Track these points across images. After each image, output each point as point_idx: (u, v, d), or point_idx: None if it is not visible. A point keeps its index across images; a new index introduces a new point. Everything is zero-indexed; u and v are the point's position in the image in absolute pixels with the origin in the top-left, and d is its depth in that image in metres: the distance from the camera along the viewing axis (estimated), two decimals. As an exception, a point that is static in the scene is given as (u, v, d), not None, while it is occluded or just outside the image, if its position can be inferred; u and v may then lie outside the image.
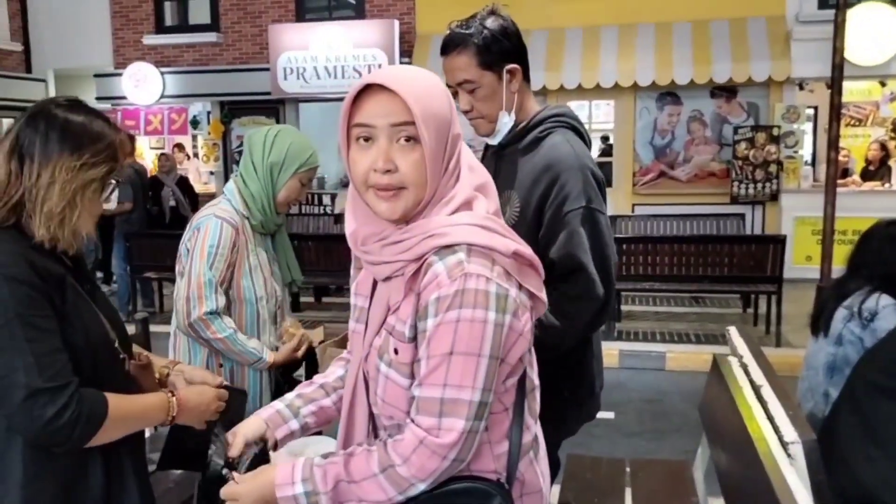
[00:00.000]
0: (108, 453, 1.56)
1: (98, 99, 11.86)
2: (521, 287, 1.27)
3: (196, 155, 12.49)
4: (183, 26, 11.60)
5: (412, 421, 1.24)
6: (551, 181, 1.84)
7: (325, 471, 1.26)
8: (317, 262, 7.50)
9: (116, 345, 1.62)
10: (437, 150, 1.24)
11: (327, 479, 1.25)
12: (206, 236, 2.29)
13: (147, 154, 13.05)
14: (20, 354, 1.38)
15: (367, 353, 1.35)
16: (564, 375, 1.94)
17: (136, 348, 1.78)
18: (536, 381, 1.41)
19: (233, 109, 11.48)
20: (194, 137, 12.43)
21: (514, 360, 1.28)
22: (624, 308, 7.63)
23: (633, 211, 9.83)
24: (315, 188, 11.85)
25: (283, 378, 2.47)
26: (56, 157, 1.47)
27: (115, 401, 1.49)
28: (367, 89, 1.24)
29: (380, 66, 10.30)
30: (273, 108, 11.21)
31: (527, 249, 1.30)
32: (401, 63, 10.31)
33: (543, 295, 1.33)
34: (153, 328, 3.15)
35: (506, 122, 1.94)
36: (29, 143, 1.48)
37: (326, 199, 11.14)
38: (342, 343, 2.60)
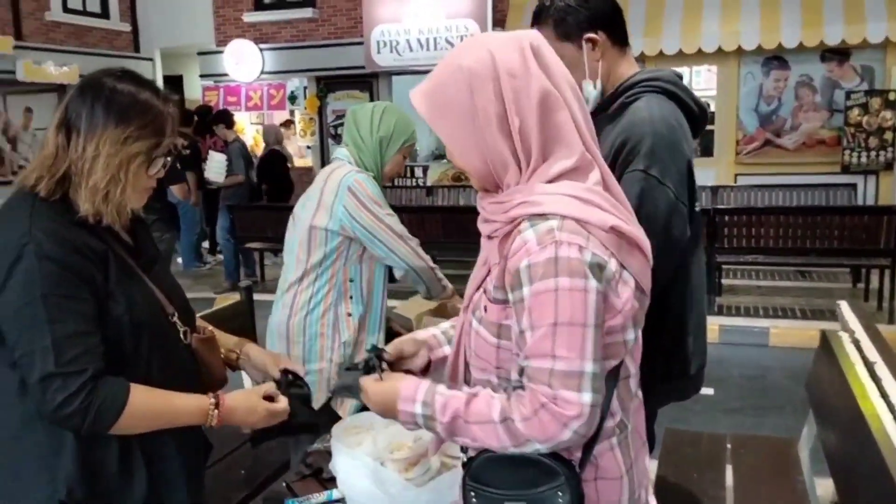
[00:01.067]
0: (151, 451, 1.52)
1: (202, 76, 12.33)
2: (620, 265, 1.23)
3: (293, 130, 12.79)
4: (281, 3, 11.83)
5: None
6: (620, 146, 1.77)
7: (446, 402, 1.28)
8: (410, 233, 7.57)
9: (175, 318, 1.59)
10: (461, 136, 1.27)
11: (446, 411, 1.27)
12: (368, 189, 2.44)
13: (248, 129, 13.50)
14: (40, 335, 1.35)
15: (467, 305, 1.38)
16: (655, 349, 1.87)
17: (200, 322, 1.75)
18: (633, 370, 1.35)
19: (328, 84, 11.67)
20: (291, 113, 12.73)
21: (609, 335, 1.24)
22: (725, 282, 7.39)
23: (735, 181, 9.45)
24: (407, 161, 11.95)
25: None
26: (101, 130, 1.43)
27: (142, 394, 1.44)
28: None
29: (472, 35, 10.21)
30: (367, 81, 11.34)
31: (631, 227, 1.26)
32: (494, 33, 10.21)
33: (646, 281, 1.29)
34: (256, 297, 3.27)
35: (590, 92, 1.88)
36: (76, 115, 1.45)
37: (419, 172, 11.24)
38: (438, 312, 2.62)
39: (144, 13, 12.42)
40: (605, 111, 1.89)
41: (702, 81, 10.81)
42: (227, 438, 2.55)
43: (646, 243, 1.29)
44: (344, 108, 11.23)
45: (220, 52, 11.83)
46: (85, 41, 11.49)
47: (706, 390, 4.80)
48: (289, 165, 9.52)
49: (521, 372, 1.23)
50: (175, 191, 6.56)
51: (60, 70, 10.52)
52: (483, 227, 1.35)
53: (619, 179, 1.73)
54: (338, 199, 2.43)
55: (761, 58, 9.39)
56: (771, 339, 6.07)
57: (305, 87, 11.95)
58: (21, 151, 10.69)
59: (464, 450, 1.37)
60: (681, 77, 1.90)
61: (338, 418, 2.25)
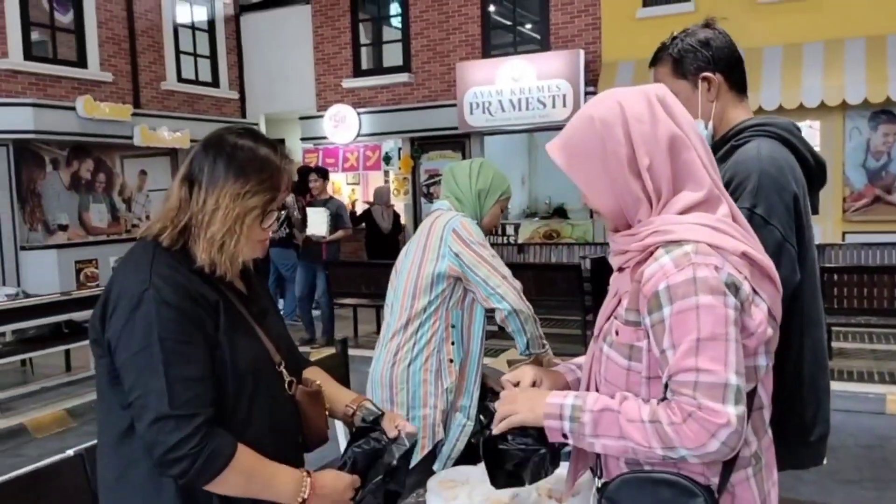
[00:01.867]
0: None
1: (302, 139, 12.86)
2: (753, 289, 1.28)
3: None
4: (378, 69, 12.32)
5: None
6: (726, 184, 1.72)
7: (598, 398, 1.32)
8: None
9: (282, 367, 1.60)
10: (592, 179, 1.37)
11: (597, 403, 1.31)
12: (472, 231, 2.51)
13: (344, 189, 13.92)
14: (156, 378, 1.38)
15: (598, 335, 1.43)
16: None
17: (310, 374, 1.76)
18: (766, 401, 1.36)
19: (422, 144, 11.97)
20: (386, 173, 13.08)
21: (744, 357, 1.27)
22: (835, 345, 6.98)
23: (843, 239, 9.02)
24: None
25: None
26: (221, 184, 1.49)
27: (246, 454, 1.45)
28: None
29: (564, 96, 10.31)
30: (459, 142, 11.56)
31: (762, 256, 1.32)
32: (586, 92, 10.26)
33: (777, 310, 1.33)
34: (350, 352, 3.31)
35: (701, 132, 1.86)
36: (199, 169, 1.51)
37: (510, 230, 11.27)
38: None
39: (251, 82, 13.16)
40: (715, 154, 1.86)
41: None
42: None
43: (775, 274, 1.34)
44: (437, 168, 11.46)
45: (321, 116, 12.35)
46: (196, 108, 12.25)
47: (818, 459, 4.48)
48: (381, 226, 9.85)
49: (665, 388, 1.27)
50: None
51: (173, 135, 11.21)
52: (614, 261, 1.42)
53: None
54: (443, 242, 2.49)
55: (868, 112, 9.03)
56: (888, 405, 5.65)
57: (400, 148, 12.28)
58: (135, 211, 11.37)
59: (596, 474, 1.41)
60: (798, 129, 1.85)
61: (432, 472, 2.22)
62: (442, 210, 2.62)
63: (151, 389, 1.38)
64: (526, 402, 1.39)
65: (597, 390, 1.42)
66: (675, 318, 1.23)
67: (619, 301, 1.37)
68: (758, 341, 1.28)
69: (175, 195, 1.52)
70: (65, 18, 10.34)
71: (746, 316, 1.26)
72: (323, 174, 8.34)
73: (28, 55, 9.72)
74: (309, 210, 8.14)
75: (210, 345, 1.46)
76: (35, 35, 10.00)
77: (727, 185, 1.73)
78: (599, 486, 1.39)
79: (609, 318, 1.40)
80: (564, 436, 1.34)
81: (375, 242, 9.96)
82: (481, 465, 1.86)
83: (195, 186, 1.51)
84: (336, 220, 7.97)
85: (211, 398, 1.43)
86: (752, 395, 1.30)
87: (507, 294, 2.48)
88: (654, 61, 1.94)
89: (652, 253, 1.30)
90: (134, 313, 1.41)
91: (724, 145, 1.86)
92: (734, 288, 1.24)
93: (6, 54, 9.44)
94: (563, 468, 1.88)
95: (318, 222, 7.97)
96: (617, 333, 1.35)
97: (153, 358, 1.39)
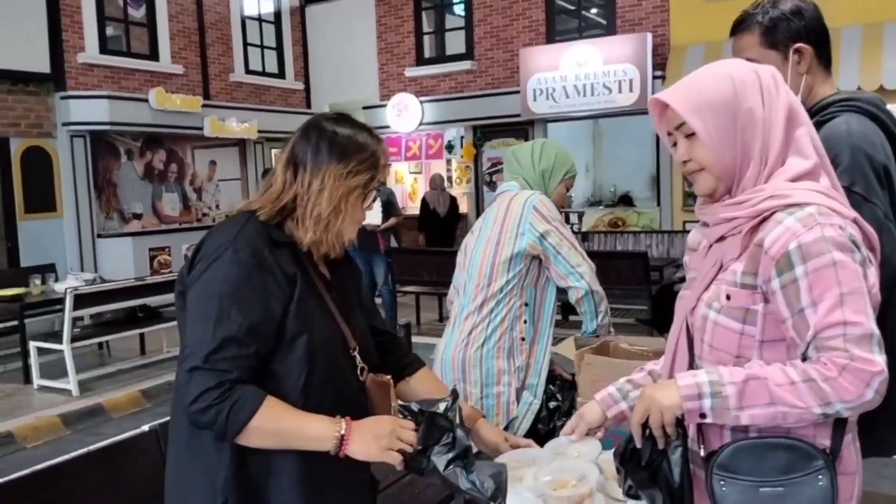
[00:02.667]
0: (317, 481, 1.54)
1: (365, 128, 12.95)
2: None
3: (450, 178, 13.13)
4: (440, 57, 12.32)
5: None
6: None
7: (732, 371, 1.31)
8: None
9: (355, 353, 1.63)
10: (719, 132, 1.38)
11: (736, 375, 1.29)
12: (551, 208, 2.51)
13: (406, 178, 14.00)
14: (203, 330, 1.43)
15: (695, 305, 1.44)
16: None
17: (420, 376, 1.87)
18: None
19: (484, 132, 11.92)
20: (448, 161, 13.09)
21: None
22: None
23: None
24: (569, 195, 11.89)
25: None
26: (325, 166, 1.57)
27: (274, 404, 1.45)
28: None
29: (630, 81, 10.11)
30: (522, 129, 11.46)
31: (869, 227, 1.38)
32: (653, 77, 10.04)
33: (877, 279, 1.34)
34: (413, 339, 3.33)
35: None
36: (302, 153, 1.59)
37: (574, 218, 11.14)
38: (599, 351, 2.54)
39: (316, 72, 13.33)
40: None
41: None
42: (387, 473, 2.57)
43: (878, 246, 1.40)
44: (499, 156, 11.40)
45: (384, 105, 12.43)
46: (263, 99, 12.47)
47: (899, 454, 4.30)
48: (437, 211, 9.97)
49: (807, 348, 1.27)
50: None
51: (241, 126, 11.44)
52: (711, 232, 1.45)
53: None
54: (524, 219, 2.48)
55: (955, 93, 8.58)
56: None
57: (462, 137, 12.27)
58: (205, 200, 11.67)
59: (702, 444, 1.39)
60: (885, 104, 1.78)
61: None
62: (512, 191, 2.60)
63: (197, 340, 1.44)
64: (655, 390, 1.37)
65: (691, 366, 1.43)
66: (812, 276, 1.26)
67: (720, 269, 1.41)
68: (874, 301, 1.30)
69: (280, 178, 1.60)
70: (138, 13, 10.65)
71: (867, 271, 1.30)
72: None
73: (103, 49, 10.03)
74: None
75: (276, 314, 1.49)
76: (110, 30, 10.32)
77: None
78: (704, 454, 1.38)
79: (707, 287, 1.42)
80: (702, 415, 1.31)
81: (431, 227, 10.17)
82: (548, 445, 1.85)
83: (299, 169, 1.59)
84: (388, 208, 8.06)
85: (249, 364, 1.45)
86: None
87: (585, 273, 2.48)
88: (739, 29, 1.86)
89: (765, 219, 1.33)
90: (210, 266, 1.48)
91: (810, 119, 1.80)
92: (857, 246, 1.30)
93: (83, 48, 9.78)
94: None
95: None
96: (728, 298, 1.37)
97: (208, 311, 1.44)
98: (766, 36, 1.81)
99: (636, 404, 1.41)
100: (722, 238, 1.42)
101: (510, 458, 1.84)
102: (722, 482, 1.32)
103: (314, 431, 1.46)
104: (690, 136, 1.42)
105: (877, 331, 1.24)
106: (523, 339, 2.52)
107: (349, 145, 1.60)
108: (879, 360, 1.23)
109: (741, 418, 1.28)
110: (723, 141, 1.39)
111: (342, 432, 1.46)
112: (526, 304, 2.52)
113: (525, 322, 2.52)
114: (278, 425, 1.45)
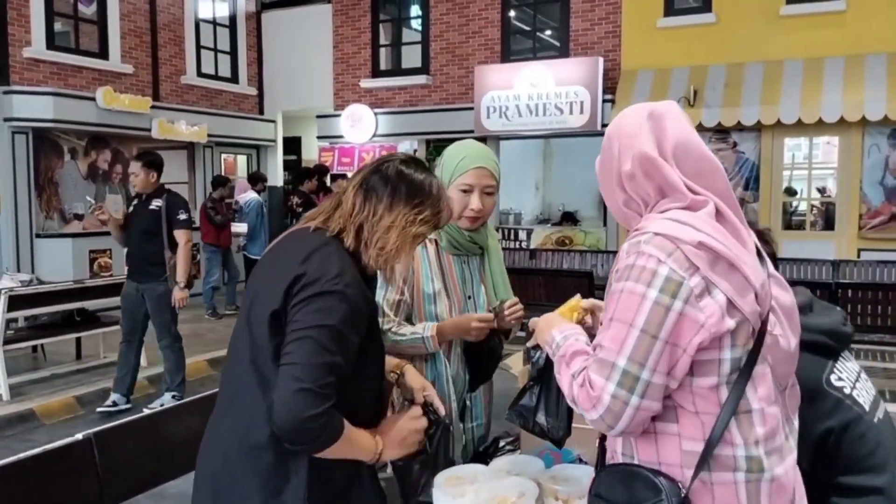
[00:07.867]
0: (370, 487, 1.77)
1: (319, 137, 12.90)
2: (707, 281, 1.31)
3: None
4: (396, 70, 12.33)
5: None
6: None
7: (571, 343, 1.49)
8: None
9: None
10: (603, 185, 1.54)
11: (566, 350, 1.47)
12: None
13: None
14: (316, 356, 1.54)
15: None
16: None
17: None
18: (755, 405, 1.35)
19: (437, 147, 11.96)
20: (401, 173, 13.08)
21: (693, 350, 1.30)
22: (846, 362, 6.91)
23: (858, 256, 8.95)
24: (511, 223, 12.03)
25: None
26: (401, 208, 1.70)
27: (349, 428, 1.62)
28: None
29: (581, 103, 10.30)
30: (475, 145, 11.51)
31: (731, 250, 1.32)
32: (603, 100, 10.24)
33: (744, 302, 1.32)
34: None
35: None
36: (376, 185, 1.71)
37: (522, 235, 11.24)
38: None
39: (270, 79, 13.21)
40: None
41: (819, 154, 10.43)
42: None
43: (746, 266, 1.33)
44: (452, 171, 11.43)
45: (338, 115, 12.38)
46: (214, 103, 12.29)
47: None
48: None
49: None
50: None
51: (191, 129, 11.26)
52: None
53: None
54: None
55: (888, 129, 8.97)
56: (900, 426, 5.60)
57: (415, 150, 12.29)
58: (150, 203, 11.41)
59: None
60: None
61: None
62: None
63: (308, 363, 1.54)
64: (543, 320, 1.65)
65: None
66: (609, 298, 1.39)
67: None
68: (710, 334, 1.30)
69: (350, 200, 1.72)
70: (88, 10, 10.42)
71: (693, 310, 1.29)
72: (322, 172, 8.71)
73: (51, 45, 9.79)
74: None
75: (363, 336, 1.65)
76: (58, 25, 10.07)
77: None
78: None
79: None
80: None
81: None
82: (491, 464, 1.87)
83: (372, 198, 1.71)
84: None
85: (338, 389, 1.58)
86: (738, 399, 1.32)
87: None
88: None
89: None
90: (322, 296, 1.58)
91: None
92: (672, 284, 1.29)
93: (29, 43, 9.52)
94: (571, 469, 1.87)
95: None
96: None
97: (321, 339, 1.55)
98: None
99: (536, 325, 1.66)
100: None
101: (451, 475, 1.85)
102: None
103: (363, 448, 1.68)
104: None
105: (622, 363, 1.30)
106: None
107: (426, 194, 1.73)
108: (606, 389, 1.31)
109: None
110: (607, 195, 1.55)
111: (380, 448, 1.71)
112: None
113: None
114: (346, 444, 1.61)
